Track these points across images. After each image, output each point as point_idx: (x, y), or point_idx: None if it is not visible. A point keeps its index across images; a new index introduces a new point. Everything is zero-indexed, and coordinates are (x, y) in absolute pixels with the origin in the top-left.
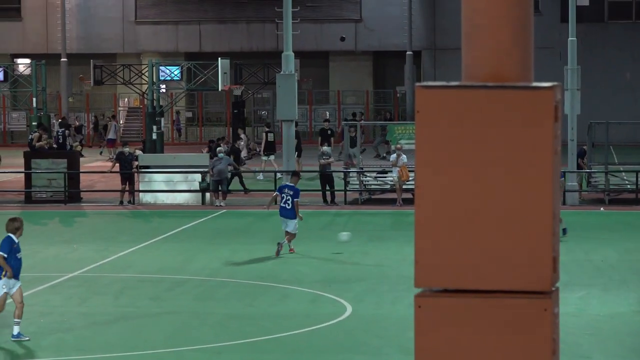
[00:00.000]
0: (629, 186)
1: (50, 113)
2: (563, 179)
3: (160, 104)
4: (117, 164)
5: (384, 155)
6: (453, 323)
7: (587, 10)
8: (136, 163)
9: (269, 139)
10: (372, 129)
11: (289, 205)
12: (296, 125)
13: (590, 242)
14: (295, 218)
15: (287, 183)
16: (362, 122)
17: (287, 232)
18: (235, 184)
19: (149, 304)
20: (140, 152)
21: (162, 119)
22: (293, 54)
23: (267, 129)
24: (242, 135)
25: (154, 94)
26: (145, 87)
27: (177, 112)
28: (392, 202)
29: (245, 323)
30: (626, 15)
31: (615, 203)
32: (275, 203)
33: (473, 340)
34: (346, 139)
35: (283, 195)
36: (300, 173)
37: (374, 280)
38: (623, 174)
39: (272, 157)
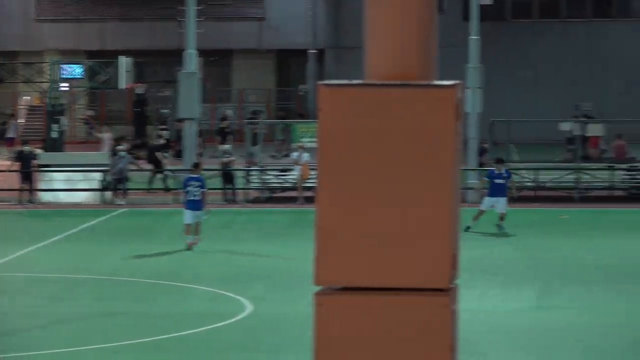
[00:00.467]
0: (528, 183)
1: None
2: (511, 178)
3: (61, 102)
4: (18, 163)
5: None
6: (353, 321)
7: (489, 9)
8: (36, 162)
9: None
10: (273, 128)
11: (197, 196)
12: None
13: (490, 239)
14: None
15: (191, 175)
16: (263, 120)
17: (188, 226)
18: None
19: (47, 304)
20: (41, 151)
21: (63, 118)
22: (195, 52)
23: (161, 127)
24: (163, 133)
25: (55, 93)
26: (46, 85)
27: (90, 111)
28: (293, 200)
29: (144, 322)
30: (528, 14)
31: (516, 200)
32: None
33: (373, 338)
34: (248, 138)
35: (188, 189)
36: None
37: (274, 279)
38: (523, 171)
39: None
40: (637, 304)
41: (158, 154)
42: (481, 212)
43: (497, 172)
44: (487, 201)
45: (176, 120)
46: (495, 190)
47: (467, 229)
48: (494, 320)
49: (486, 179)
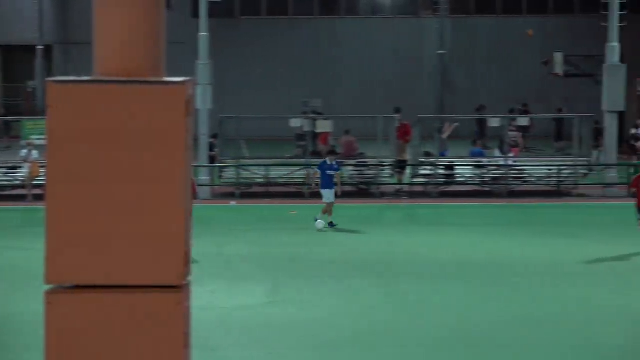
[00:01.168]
0: (259, 180)
1: None
2: (339, 171)
3: None
4: None
5: None
6: (85, 319)
7: (219, 5)
8: None
9: None
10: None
11: None
12: None
13: (222, 235)
14: None
15: None
16: None
17: None
18: None
19: None
20: None
21: None
22: None
23: None
24: None
25: None
26: None
27: None
28: (22, 198)
29: None
30: (257, 11)
31: (246, 197)
32: None
33: (106, 336)
34: None
35: None
36: None
37: (5, 278)
38: (254, 168)
39: None
40: (354, 298)
41: None
42: (330, 205)
43: (329, 163)
44: (326, 193)
45: None
46: (327, 182)
47: (332, 224)
48: (224, 315)
49: (318, 170)
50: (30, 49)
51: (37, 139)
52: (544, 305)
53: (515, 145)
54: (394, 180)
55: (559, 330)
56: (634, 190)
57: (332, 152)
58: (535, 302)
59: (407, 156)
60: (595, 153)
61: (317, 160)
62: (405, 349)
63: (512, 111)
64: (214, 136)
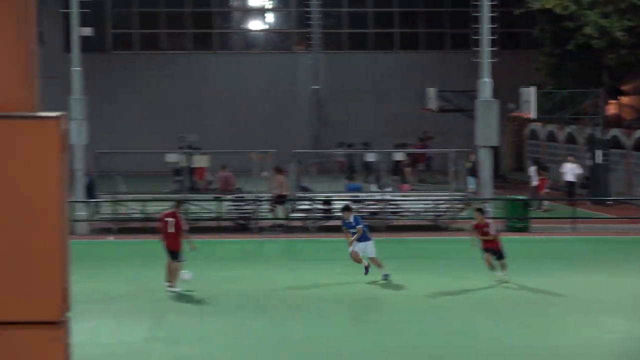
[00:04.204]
0: (136, 215)
1: None
2: (359, 225)
3: None
4: None
5: None
6: None
7: (91, 40)
8: None
9: None
10: None
11: None
12: None
13: (101, 271)
14: None
15: None
16: None
17: None
18: None
19: None
20: None
21: None
22: None
23: None
24: None
25: None
26: None
27: None
28: None
29: None
30: (129, 46)
31: (124, 232)
32: None
33: None
34: None
35: None
36: None
37: None
38: (131, 203)
39: None
40: (237, 332)
41: None
42: (374, 259)
43: (346, 220)
44: (360, 246)
45: None
46: (360, 237)
47: (386, 277)
48: (106, 352)
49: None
50: None
51: None
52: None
53: (405, 182)
54: (272, 215)
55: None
56: (479, 236)
57: (346, 209)
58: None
59: (286, 191)
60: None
61: (194, 195)
62: None
63: (403, 145)
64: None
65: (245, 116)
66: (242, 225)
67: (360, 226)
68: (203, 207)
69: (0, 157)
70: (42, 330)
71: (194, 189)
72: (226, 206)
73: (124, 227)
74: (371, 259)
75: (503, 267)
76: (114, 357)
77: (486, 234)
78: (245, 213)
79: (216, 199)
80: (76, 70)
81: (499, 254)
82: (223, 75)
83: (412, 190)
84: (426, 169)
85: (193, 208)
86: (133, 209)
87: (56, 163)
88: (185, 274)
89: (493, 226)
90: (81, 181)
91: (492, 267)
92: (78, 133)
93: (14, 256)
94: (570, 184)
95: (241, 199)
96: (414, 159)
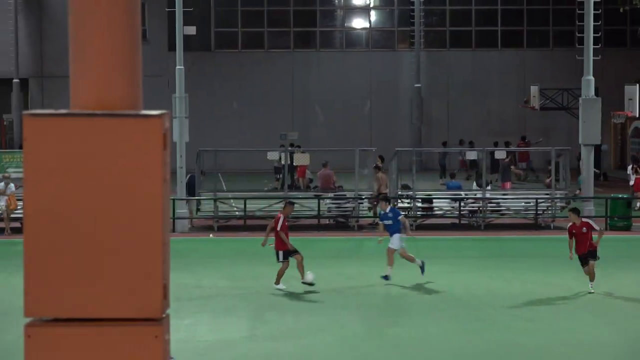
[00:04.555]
0: (237, 213)
1: None
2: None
3: None
4: None
5: None
6: (64, 353)
7: (194, 39)
8: None
9: None
10: None
11: None
12: None
13: (201, 268)
14: None
15: None
16: None
17: None
18: None
19: None
20: None
21: None
22: None
23: None
24: None
25: None
26: None
27: None
28: (0, 231)
29: None
30: (233, 44)
31: (224, 230)
32: None
33: None
34: None
35: None
36: None
37: None
38: (231, 201)
39: None
40: (337, 330)
41: None
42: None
43: (382, 212)
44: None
45: None
46: (390, 229)
47: (386, 277)
48: (204, 349)
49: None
50: (6, 82)
51: (14, 172)
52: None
53: (508, 179)
54: (372, 213)
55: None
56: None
57: (384, 199)
58: (512, 333)
59: (385, 189)
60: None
61: (294, 193)
62: None
63: (507, 144)
64: (202, 173)
65: (346, 114)
66: (342, 223)
67: (401, 216)
68: (303, 205)
69: (104, 155)
70: (142, 326)
71: (294, 187)
72: (326, 204)
73: (225, 225)
74: (389, 249)
75: (591, 274)
76: (212, 354)
77: (583, 235)
78: (345, 211)
79: (316, 197)
80: (179, 68)
81: (592, 254)
82: (325, 73)
83: (513, 188)
84: (528, 168)
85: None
86: (233, 207)
87: (159, 161)
88: (308, 274)
89: (594, 225)
90: (183, 179)
91: (591, 278)
92: (180, 131)
93: (117, 254)
94: None
95: (341, 197)
96: (517, 158)
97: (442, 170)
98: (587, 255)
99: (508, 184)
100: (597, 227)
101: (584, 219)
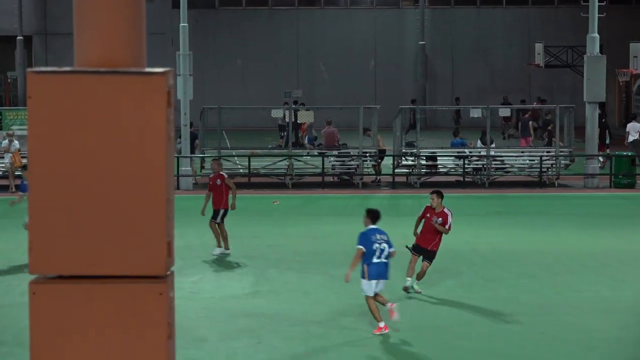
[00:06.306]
0: (241, 170)
1: None
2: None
3: None
4: None
5: None
6: (69, 310)
7: None
8: None
9: None
10: None
11: None
12: None
13: (204, 226)
14: None
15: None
16: None
17: None
18: None
19: None
20: None
21: None
22: None
23: None
24: None
25: None
26: None
27: None
28: (4, 189)
29: None
30: (236, 1)
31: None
32: None
33: (89, 326)
34: None
35: None
36: None
37: None
38: (235, 158)
39: None
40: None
41: None
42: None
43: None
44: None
45: None
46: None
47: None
48: (210, 305)
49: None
50: (10, 40)
51: (18, 129)
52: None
53: (528, 135)
54: (373, 171)
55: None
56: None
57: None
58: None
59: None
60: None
61: (299, 151)
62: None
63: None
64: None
65: (351, 72)
66: (345, 181)
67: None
68: (307, 162)
69: (108, 112)
70: (148, 284)
71: (298, 145)
72: (330, 162)
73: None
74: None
75: (421, 274)
76: (219, 311)
77: (432, 227)
78: (349, 168)
79: (320, 154)
80: (183, 26)
81: (429, 256)
82: (329, 31)
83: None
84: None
85: (297, 164)
86: (237, 164)
87: (162, 118)
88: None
89: (449, 220)
90: (187, 136)
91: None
92: (184, 88)
93: (121, 211)
94: None
95: (345, 155)
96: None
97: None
98: (424, 252)
99: (527, 140)
100: (447, 226)
101: (446, 210)
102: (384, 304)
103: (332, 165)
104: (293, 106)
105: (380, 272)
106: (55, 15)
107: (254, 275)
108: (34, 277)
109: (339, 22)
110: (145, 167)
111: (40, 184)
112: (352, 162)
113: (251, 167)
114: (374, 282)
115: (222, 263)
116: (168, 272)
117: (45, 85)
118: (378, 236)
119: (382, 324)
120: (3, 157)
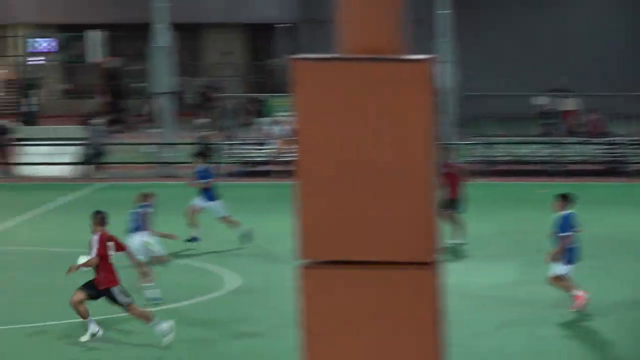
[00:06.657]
0: (504, 158)
1: None
2: None
3: (36, 76)
4: None
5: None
6: (338, 294)
7: None
8: (9, 136)
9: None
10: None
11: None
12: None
13: (469, 213)
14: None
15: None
16: (235, 94)
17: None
18: None
19: (24, 277)
20: (15, 124)
21: (37, 91)
22: (166, 25)
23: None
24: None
25: (27, 66)
26: (16, 59)
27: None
28: (268, 174)
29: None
30: None
31: (494, 175)
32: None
33: (358, 311)
34: (221, 112)
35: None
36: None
37: (258, 253)
38: (498, 145)
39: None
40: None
41: None
42: None
43: None
44: None
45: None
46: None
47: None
48: (480, 293)
49: None
50: (274, 27)
51: (282, 116)
52: None
53: None
54: None
55: None
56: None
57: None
58: None
59: None
60: None
61: (563, 138)
62: None
63: None
64: None
65: (616, 57)
66: (612, 169)
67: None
68: (572, 150)
69: (372, 99)
70: (417, 270)
71: (569, 132)
72: (594, 149)
73: (494, 170)
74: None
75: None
76: (485, 298)
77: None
78: (616, 157)
79: (586, 142)
80: (443, 13)
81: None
82: (591, 18)
83: None
84: None
85: (566, 152)
86: (500, 152)
87: (426, 106)
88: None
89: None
90: (447, 125)
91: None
92: (446, 76)
93: (387, 197)
94: None
95: (611, 142)
96: None
97: None
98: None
99: None
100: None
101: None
102: None
103: (597, 153)
104: (558, 93)
105: None
106: (319, 2)
107: (522, 263)
108: (305, 262)
109: (605, 9)
110: (410, 155)
111: (309, 170)
112: (619, 151)
113: (514, 154)
114: None
115: (488, 251)
116: (435, 259)
117: (310, 72)
118: None
119: None
120: (267, 143)
